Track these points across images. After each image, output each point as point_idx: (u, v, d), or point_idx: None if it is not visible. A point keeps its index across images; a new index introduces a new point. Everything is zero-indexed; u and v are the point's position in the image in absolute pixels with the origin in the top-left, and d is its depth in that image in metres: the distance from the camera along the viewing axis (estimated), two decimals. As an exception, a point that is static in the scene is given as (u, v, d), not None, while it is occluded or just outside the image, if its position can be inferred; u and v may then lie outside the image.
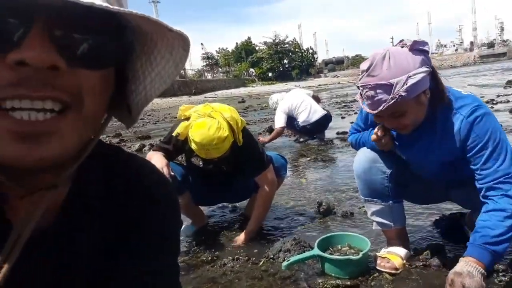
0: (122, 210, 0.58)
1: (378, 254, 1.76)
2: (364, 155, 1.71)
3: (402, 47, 1.36)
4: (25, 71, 0.38)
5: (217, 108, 2.07)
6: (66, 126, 0.42)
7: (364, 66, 1.38)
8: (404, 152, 1.63)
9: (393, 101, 1.32)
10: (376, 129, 1.59)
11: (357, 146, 1.81)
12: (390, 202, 1.69)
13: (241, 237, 2.18)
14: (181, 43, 0.46)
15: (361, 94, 1.43)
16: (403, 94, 1.30)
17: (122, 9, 0.38)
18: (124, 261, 0.57)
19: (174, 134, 2.14)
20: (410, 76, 1.30)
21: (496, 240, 1.29)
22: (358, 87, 1.43)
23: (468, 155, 1.41)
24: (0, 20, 0.37)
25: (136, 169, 0.62)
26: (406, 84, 1.30)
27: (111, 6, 0.37)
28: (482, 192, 1.40)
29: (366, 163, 1.69)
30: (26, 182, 0.46)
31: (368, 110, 1.42)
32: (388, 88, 1.31)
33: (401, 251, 1.73)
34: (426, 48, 1.36)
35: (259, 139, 5.28)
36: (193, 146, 2.01)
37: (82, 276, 0.55)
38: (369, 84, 1.35)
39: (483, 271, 1.28)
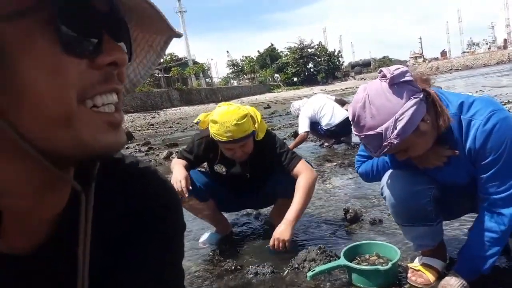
0: (124, 217, 0.58)
1: (410, 265, 1.66)
2: (399, 180, 1.52)
3: (382, 80, 1.25)
4: (109, 70, 0.43)
5: (237, 104, 2.11)
6: (121, 116, 0.48)
7: (350, 115, 1.32)
8: (434, 172, 1.49)
9: (387, 147, 1.24)
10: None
11: (375, 172, 1.62)
12: (434, 224, 1.54)
13: (282, 230, 1.92)
14: (163, 38, 0.50)
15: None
16: (395, 142, 1.22)
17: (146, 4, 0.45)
18: (127, 268, 0.57)
19: (194, 121, 2.18)
20: (397, 119, 1.20)
21: (484, 265, 1.35)
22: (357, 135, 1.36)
23: (478, 163, 1.31)
24: (85, 30, 0.41)
25: (138, 175, 0.62)
26: (396, 129, 1.21)
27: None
28: (481, 203, 1.36)
29: (405, 189, 1.49)
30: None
31: (372, 154, 1.35)
32: (378, 137, 1.24)
33: (437, 263, 1.61)
34: (407, 78, 1.23)
35: None
36: (213, 129, 1.98)
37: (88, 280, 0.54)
38: (360, 135, 1.30)
39: (467, 284, 1.40)
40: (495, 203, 1.30)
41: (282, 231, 1.92)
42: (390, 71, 1.24)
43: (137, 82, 0.56)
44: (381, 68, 1.28)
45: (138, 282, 0.57)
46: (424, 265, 1.62)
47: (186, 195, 1.99)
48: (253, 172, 2.23)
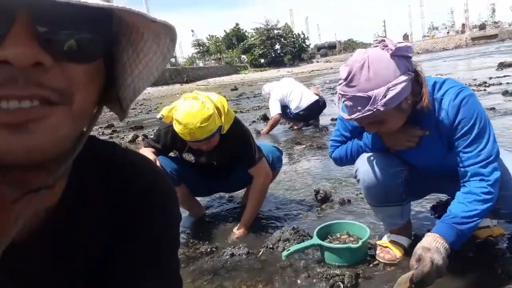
0: (120, 207, 0.57)
1: (379, 242, 1.76)
2: (372, 163, 1.57)
3: (383, 49, 1.29)
4: (9, 70, 0.36)
5: (204, 93, 2.04)
6: (54, 115, 0.40)
7: (343, 73, 1.32)
8: (405, 153, 1.56)
9: (369, 112, 1.28)
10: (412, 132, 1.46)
11: (349, 157, 1.67)
12: (404, 203, 1.63)
13: (238, 230, 2.16)
14: (168, 32, 0.45)
15: (339, 100, 1.39)
16: (381, 109, 1.26)
17: (102, 3, 0.37)
18: (124, 258, 0.57)
19: (158, 116, 2.09)
20: (389, 88, 1.24)
21: (463, 221, 1.32)
22: (337, 93, 1.38)
23: (452, 137, 1.39)
24: None
25: (133, 165, 0.61)
26: (385, 97, 1.24)
27: (89, 2, 0.36)
28: (463, 176, 1.39)
29: (378, 172, 1.55)
30: (19, 182, 0.44)
31: (346, 116, 1.38)
32: (366, 100, 1.27)
33: (403, 240, 1.72)
34: (409, 54, 1.29)
35: (260, 131, 5.30)
36: (177, 127, 1.95)
37: (79, 276, 0.54)
38: (347, 95, 1.31)
39: (448, 248, 1.30)
40: (476, 173, 1.35)
41: (239, 230, 2.15)
42: (393, 43, 1.27)
43: (138, 91, 0.52)
44: (383, 38, 1.31)
45: (134, 272, 0.57)
46: (391, 242, 1.72)
47: None
48: (220, 160, 2.24)
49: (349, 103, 1.32)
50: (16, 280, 0.49)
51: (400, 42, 1.28)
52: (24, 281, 0.49)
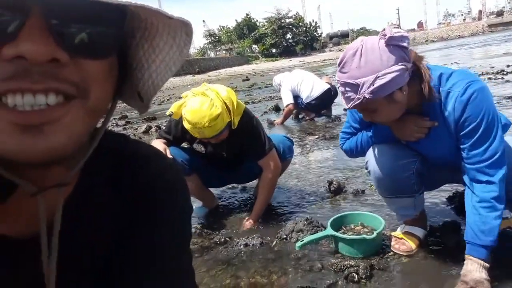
0: (132, 202, 0.57)
1: (393, 234, 1.74)
2: (383, 154, 1.56)
3: (381, 38, 1.26)
4: (24, 63, 0.36)
5: (213, 88, 2.03)
6: (70, 114, 0.40)
7: (340, 59, 1.33)
8: (416, 144, 1.54)
9: (359, 101, 1.27)
10: (418, 123, 1.44)
11: (359, 149, 1.66)
12: (416, 195, 1.61)
13: (247, 223, 2.17)
14: (184, 27, 0.45)
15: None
16: (368, 97, 1.24)
17: (120, 0, 0.37)
18: (132, 253, 0.56)
19: (167, 113, 2.12)
20: (378, 77, 1.22)
21: (488, 236, 1.33)
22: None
23: (459, 133, 1.36)
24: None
25: (144, 158, 0.61)
26: (373, 86, 1.23)
27: None
28: (468, 174, 1.37)
29: (389, 163, 1.54)
30: (34, 179, 0.44)
31: (344, 105, 1.37)
32: (355, 87, 1.26)
33: (418, 231, 1.70)
34: (404, 44, 1.25)
35: (274, 122, 5.30)
36: (186, 125, 1.97)
37: (87, 275, 0.54)
38: (340, 81, 1.32)
39: (487, 265, 1.33)
40: (481, 171, 1.33)
41: (249, 222, 2.15)
42: (391, 31, 1.25)
43: (157, 86, 0.52)
44: (385, 27, 1.29)
45: (146, 265, 0.56)
46: (406, 233, 1.70)
47: None
48: (229, 152, 2.25)
49: (342, 89, 1.33)
50: (23, 278, 0.49)
51: (397, 32, 1.26)
52: (31, 279, 0.49)
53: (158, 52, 0.48)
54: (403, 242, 1.67)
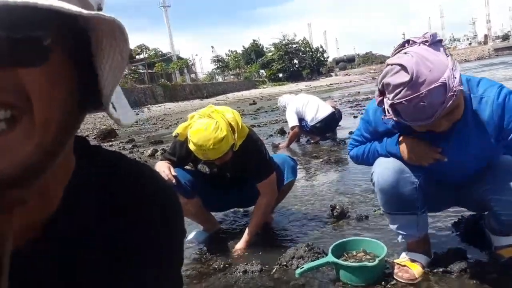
0: (121, 225, 0.55)
1: (396, 261, 1.69)
2: (388, 166, 1.54)
3: (414, 44, 1.29)
4: None
5: (219, 109, 2.06)
6: (17, 137, 0.38)
7: (399, 79, 1.24)
8: (444, 151, 1.50)
9: (452, 99, 1.21)
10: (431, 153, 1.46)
11: (365, 158, 1.67)
12: (419, 212, 1.58)
13: (239, 247, 2.14)
14: (117, 28, 0.41)
15: (394, 111, 1.31)
16: (460, 88, 1.22)
17: (31, 1, 0.33)
18: (126, 279, 0.54)
19: (173, 134, 2.15)
20: (452, 69, 1.22)
21: None
22: (390, 106, 1.29)
23: (502, 134, 1.37)
24: None
25: (137, 176, 0.59)
26: (455, 78, 1.21)
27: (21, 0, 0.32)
28: None
29: (393, 175, 1.52)
30: None
31: (419, 123, 1.29)
32: (442, 88, 1.21)
33: (422, 258, 1.65)
34: (438, 38, 1.30)
35: (279, 145, 5.32)
36: (191, 146, 1.99)
37: None
38: (421, 94, 1.21)
39: None
40: None
41: (239, 247, 2.15)
42: (420, 36, 1.29)
43: (107, 97, 0.47)
44: (407, 39, 1.32)
45: (136, 286, 0.54)
46: (410, 260, 1.65)
47: (173, 180, 2.04)
48: (233, 173, 2.26)
49: (422, 104, 1.22)
50: None
51: (425, 33, 1.30)
52: None
53: (106, 58, 0.44)
54: (406, 270, 1.61)
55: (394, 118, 1.34)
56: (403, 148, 1.51)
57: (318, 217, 2.51)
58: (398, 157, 1.53)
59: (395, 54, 1.35)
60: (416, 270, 1.60)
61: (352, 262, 1.71)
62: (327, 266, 1.75)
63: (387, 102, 1.32)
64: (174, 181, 2.05)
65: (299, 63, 65.06)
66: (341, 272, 1.67)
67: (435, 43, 1.28)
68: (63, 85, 0.42)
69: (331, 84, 35.37)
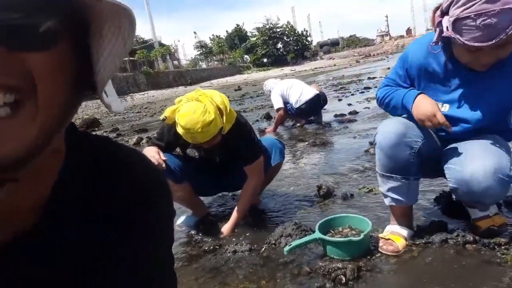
0: (112, 206, 0.55)
1: (380, 235, 1.74)
2: (393, 127, 1.60)
3: None
4: None
5: (207, 93, 2.05)
6: (21, 122, 0.38)
7: None
8: (459, 91, 1.56)
9: None
10: (436, 117, 1.50)
11: (385, 101, 1.74)
12: (411, 178, 1.63)
13: (226, 228, 2.18)
14: (127, 16, 0.42)
15: (460, 26, 1.31)
16: None
17: None
18: (118, 257, 0.54)
19: (161, 117, 2.13)
20: None
21: None
22: (454, 21, 1.32)
23: None
24: None
25: (125, 160, 0.59)
26: None
27: None
28: None
29: (394, 137, 1.58)
30: None
31: (476, 44, 1.30)
32: (510, 14, 1.23)
33: (404, 231, 1.71)
34: None
35: (265, 130, 5.34)
36: (179, 130, 1.99)
37: (67, 283, 0.51)
38: (492, 11, 1.23)
39: None
40: None
41: (226, 228, 2.19)
42: None
43: (103, 82, 0.48)
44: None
45: (126, 273, 0.55)
46: (393, 233, 1.71)
47: (163, 165, 2.05)
48: (222, 156, 2.27)
49: (489, 21, 1.25)
50: None
51: None
52: None
53: (106, 44, 0.44)
54: (390, 243, 1.67)
55: (452, 35, 1.34)
56: (417, 105, 1.56)
57: (305, 197, 2.56)
58: (409, 111, 1.59)
59: None
60: (400, 242, 1.66)
61: (338, 237, 1.76)
62: (315, 243, 1.80)
63: (449, 20, 1.34)
64: (164, 165, 2.06)
65: (284, 47, 64.71)
66: (328, 248, 1.72)
67: None
68: (67, 69, 0.42)
69: (315, 68, 35.39)
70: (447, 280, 1.42)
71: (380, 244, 1.70)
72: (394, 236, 1.69)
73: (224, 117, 2.02)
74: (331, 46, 78.93)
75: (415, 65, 1.63)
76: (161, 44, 52.65)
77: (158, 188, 0.61)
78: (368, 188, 2.47)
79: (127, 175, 0.58)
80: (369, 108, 6.02)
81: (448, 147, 1.63)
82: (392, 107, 1.72)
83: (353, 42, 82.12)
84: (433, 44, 1.46)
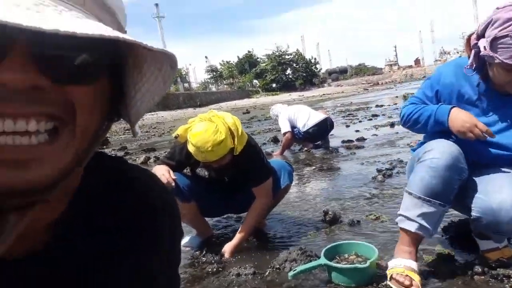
0: (123, 225, 0.57)
1: (393, 271, 1.59)
2: (449, 148, 1.52)
3: None
4: (6, 90, 0.37)
5: (219, 114, 2.10)
6: (58, 149, 0.41)
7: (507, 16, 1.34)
8: (493, 115, 1.57)
9: None
10: (481, 128, 1.49)
11: (413, 117, 1.68)
12: (447, 206, 1.56)
13: (229, 247, 2.16)
14: (168, 60, 0.45)
15: (497, 45, 1.36)
16: None
17: (91, 33, 0.36)
18: (126, 278, 0.55)
19: (173, 135, 2.18)
20: None
21: None
22: (492, 40, 1.37)
23: None
24: None
25: (137, 181, 0.61)
26: None
27: (78, 31, 0.35)
28: None
29: (451, 159, 1.50)
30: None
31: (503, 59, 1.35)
32: None
33: (415, 264, 1.60)
34: None
35: (272, 153, 5.37)
36: (190, 148, 2.03)
37: None
38: None
39: None
40: None
41: (229, 246, 2.16)
42: None
43: (138, 115, 0.51)
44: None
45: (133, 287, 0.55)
46: (409, 269, 1.57)
47: (173, 184, 2.08)
48: (231, 177, 2.29)
49: None
50: None
51: None
52: None
53: (145, 80, 0.48)
54: (409, 279, 1.53)
55: (490, 54, 1.37)
56: (454, 117, 1.54)
57: (311, 222, 2.54)
58: (445, 126, 1.56)
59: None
60: (418, 280, 1.55)
61: (344, 264, 1.74)
62: (320, 269, 1.78)
63: (487, 40, 1.38)
64: (173, 184, 2.08)
65: (292, 73, 65.54)
66: (333, 274, 1.69)
67: None
68: (104, 100, 0.46)
69: (323, 94, 35.66)
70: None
71: (400, 279, 1.54)
72: (411, 272, 1.56)
73: (236, 139, 2.06)
74: (340, 73, 79.76)
75: (447, 87, 1.63)
76: (173, 67, 53.51)
77: (169, 208, 0.63)
78: (375, 216, 2.45)
79: (141, 194, 0.60)
80: (377, 135, 6.02)
81: (476, 175, 1.58)
82: (421, 123, 1.66)
83: (361, 70, 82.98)
84: (468, 66, 1.49)
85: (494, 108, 1.57)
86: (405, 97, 13.69)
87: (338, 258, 1.83)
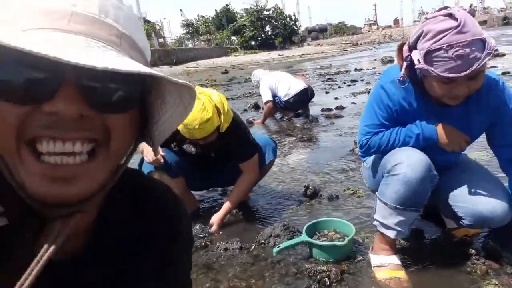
0: (145, 233, 0.64)
1: (381, 273, 1.64)
2: (419, 159, 1.50)
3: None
4: (59, 117, 0.44)
5: (206, 92, 2.13)
6: (96, 167, 0.48)
7: (444, 25, 1.29)
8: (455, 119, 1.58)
9: (488, 57, 1.27)
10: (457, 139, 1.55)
11: (386, 149, 1.63)
12: (420, 210, 1.58)
13: (217, 217, 2.28)
14: (189, 90, 0.52)
15: (431, 58, 1.33)
16: (495, 49, 1.29)
17: (131, 69, 0.42)
18: (149, 278, 0.64)
19: None
20: (488, 36, 1.29)
21: None
22: (426, 54, 1.34)
23: (501, 119, 1.54)
24: (37, 75, 0.42)
25: (154, 192, 0.69)
26: (491, 42, 1.28)
27: (122, 69, 0.41)
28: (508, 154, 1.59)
29: (424, 171, 1.48)
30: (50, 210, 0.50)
31: (451, 75, 1.31)
32: (481, 44, 1.27)
33: (396, 258, 1.67)
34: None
35: (253, 121, 5.42)
36: None
37: None
38: (464, 41, 1.26)
39: None
40: None
41: (217, 218, 2.28)
42: (462, 9, 1.34)
43: (162, 137, 0.59)
44: (449, 11, 1.35)
45: None
46: (391, 268, 1.64)
47: (162, 160, 2.16)
48: (217, 153, 2.36)
49: (463, 51, 1.27)
50: None
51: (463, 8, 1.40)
52: None
53: (168, 108, 0.55)
54: (399, 282, 1.58)
55: (425, 67, 1.34)
56: (445, 133, 1.54)
57: (292, 196, 2.68)
58: (434, 141, 1.56)
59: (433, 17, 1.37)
60: (404, 277, 1.60)
61: (323, 240, 1.89)
62: (301, 245, 1.93)
63: (420, 53, 1.35)
64: (162, 161, 2.14)
65: (272, 30, 64.05)
66: (314, 250, 1.85)
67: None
68: (134, 127, 0.54)
69: (303, 54, 35.33)
70: (424, 284, 1.57)
71: (391, 284, 1.58)
72: (396, 272, 1.62)
73: (222, 116, 2.11)
74: (319, 32, 78.68)
75: (395, 100, 1.59)
76: (146, 21, 51.33)
77: (183, 217, 0.71)
78: (352, 190, 2.61)
79: (158, 205, 0.68)
80: (355, 103, 6.15)
81: (443, 178, 1.62)
82: (399, 145, 1.60)
83: (341, 29, 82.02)
84: (401, 78, 1.46)
85: (434, 118, 1.57)
86: (383, 61, 13.80)
87: (318, 234, 1.98)
